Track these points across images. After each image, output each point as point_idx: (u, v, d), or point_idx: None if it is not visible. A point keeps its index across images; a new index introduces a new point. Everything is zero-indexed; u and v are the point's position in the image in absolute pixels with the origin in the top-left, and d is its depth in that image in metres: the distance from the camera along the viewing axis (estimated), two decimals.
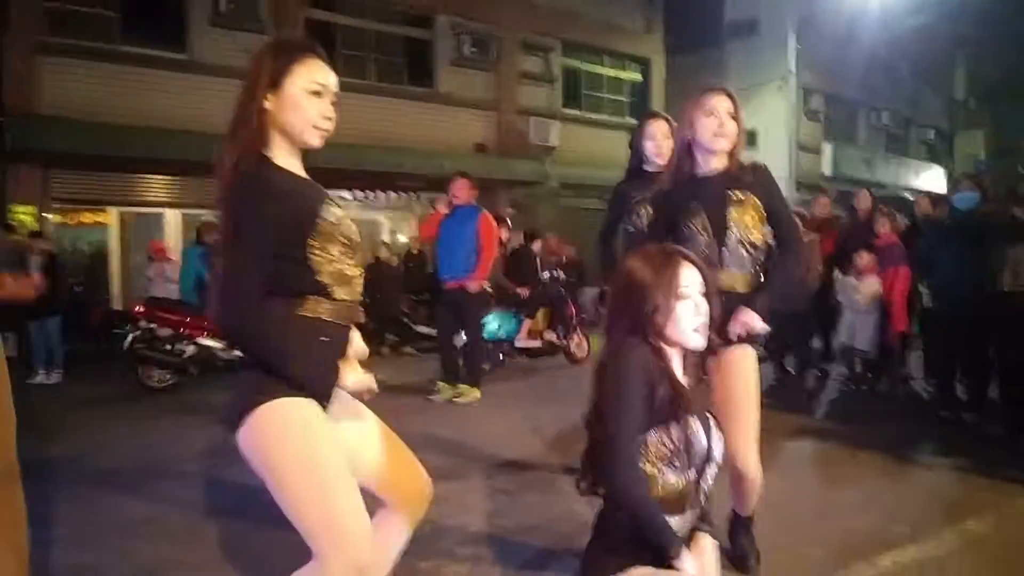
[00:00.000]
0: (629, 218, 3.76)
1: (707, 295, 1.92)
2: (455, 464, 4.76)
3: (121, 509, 4.00)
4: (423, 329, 11.53)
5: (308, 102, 1.93)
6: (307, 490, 1.83)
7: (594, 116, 17.49)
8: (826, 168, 20.82)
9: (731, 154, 2.85)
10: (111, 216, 12.14)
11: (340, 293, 1.94)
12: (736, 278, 2.79)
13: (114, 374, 8.61)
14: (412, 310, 11.65)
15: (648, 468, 1.83)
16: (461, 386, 6.86)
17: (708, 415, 1.97)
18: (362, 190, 14.53)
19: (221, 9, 11.72)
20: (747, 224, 2.78)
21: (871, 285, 6.85)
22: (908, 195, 17.78)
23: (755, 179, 2.84)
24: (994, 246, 5.02)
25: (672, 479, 1.84)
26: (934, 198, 7.60)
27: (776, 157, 17.44)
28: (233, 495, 4.14)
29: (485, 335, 8.70)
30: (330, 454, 1.87)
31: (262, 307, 1.81)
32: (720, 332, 2.55)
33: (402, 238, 15.82)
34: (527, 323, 9.09)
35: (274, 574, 1.97)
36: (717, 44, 21.02)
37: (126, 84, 11.24)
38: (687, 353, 1.97)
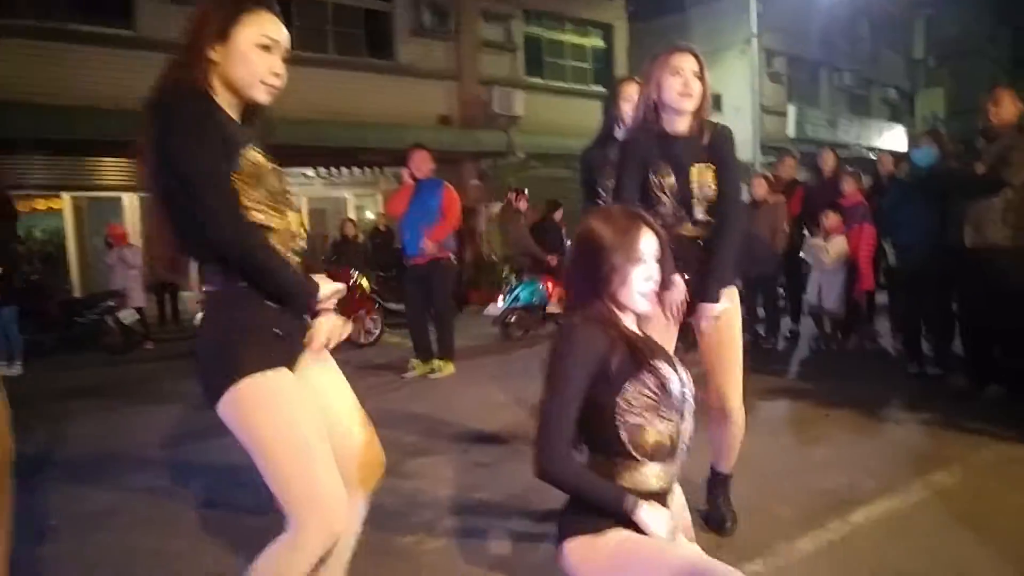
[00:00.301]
0: (601, 184, 3.71)
1: (660, 261, 1.92)
2: (431, 439, 4.74)
3: (87, 500, 3.91)
4: (391, 306, 11.48)
5: (257, 56, 1.88)
6: (290, 462, 1.83)
7: (558, 84, 17.34)
8: (790, 130, 20.93)
9: (696, 115, 2.85)
10: (64, 202, 11.88)
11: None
12: (700, 230, 2.89)
13: (76, 364, 8.55)
14: (380, 287, 11.57)
15: (635, 419, 1.82)
16: (436, 361, 6.83)
17: (673, 358, 1.97)
18: (325, 167, 14.32)
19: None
20: (705, 186, 2.84)
21: (837, 244, 6.91)
22: (871, 154, 17.95)
23: (712, 142, 2.85)
24: (955, 202, 5.04)
25: (661, 426, 1.84)
26: (896, 156, 7.63)
27: (740, 120, 17.48)
28: (203, 482, 4.09)
29: (520, 302, 8.90)
30: (310, 424, 1.88)
31: (246, 216, 1.80)
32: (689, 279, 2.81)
33: (368, 214, 15.66)
34: (557, 290, 9.09)
35: (247, 562, 1.92)
36: (679, 8, 20.95)
37: (72, 63, 10.88)
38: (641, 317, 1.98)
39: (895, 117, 27.70)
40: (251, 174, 1.86)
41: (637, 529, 1.81)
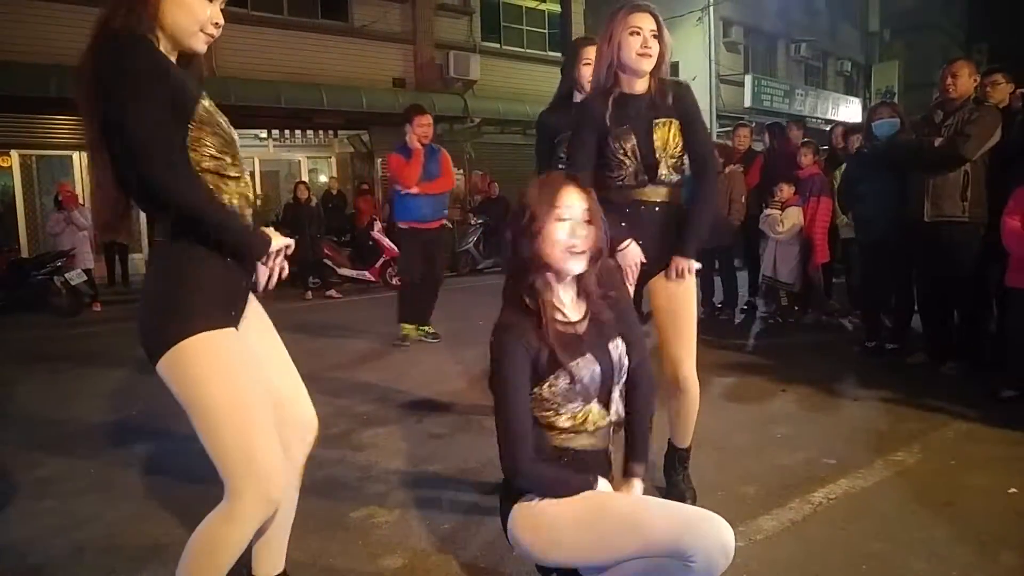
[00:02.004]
0: (560, 149, 3.59)
1: (591, 223, 1.89)
2: (384, 409, 4.66)
3: (32, 465, 3.80)
4: (346, 272, 11.30)
5: (199, 3, 1.80)
6: (229, 425, 1.79)
7: (515, 49, 17.19)
8: (747, 100, 21.00)
9: (654, 74, 2.78)
10: (13, 159, 11.65)
11: (224, 191, 1.83)
12: (661, 192, 2.83)
13: (24, 325, 8.41)
14: (334, 253, 11.38)
15: (545, 415, 1.89)
16: (428, 327, 6.77)
17: (611, 337, 1.98)
18: (279, 129, 14.08)
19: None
20: (670, 144, 2.78)
21: (792, 216, 6.88)
22: (826, 127, 18.07)
23: (675, 99, 2.80)
24: (914, 175, 5.01)
25: (572, 406, 1.89)
26: (848, 128, 7.61)
27: (697, 89, 17.24)
28: (149, 448, 3.99)
29: None
30: (253, 387, 1.84)
31: (190, 169, 1.74)
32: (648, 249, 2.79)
33: (322, 178, 15.46)
34: None
35: (191, 531, 1.86)
36: None
37: (23, 19, 10.62)
38: (581, 279, 1.96)
39: (850, 90, 28.03)
40: (207, 122, 1.81)
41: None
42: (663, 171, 2.77)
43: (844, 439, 3.81)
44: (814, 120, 22.90)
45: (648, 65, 2.72)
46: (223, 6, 1.88)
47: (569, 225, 1.86)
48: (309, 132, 14.38)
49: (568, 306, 1.96)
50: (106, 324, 8.45)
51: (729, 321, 7.46)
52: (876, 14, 28.82)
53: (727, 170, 7.44)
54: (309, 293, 10.53)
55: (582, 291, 1.97)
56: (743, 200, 7.46)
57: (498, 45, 16.85)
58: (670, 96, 2.79)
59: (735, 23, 21.70)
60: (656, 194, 2.81)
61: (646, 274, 2.86)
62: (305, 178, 14.12)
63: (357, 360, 6.13)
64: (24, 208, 11.85)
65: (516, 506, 1.89)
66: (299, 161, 15.59)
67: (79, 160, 12.03)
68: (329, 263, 11.03)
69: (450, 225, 6.97)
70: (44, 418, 4.74)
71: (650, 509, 1.79)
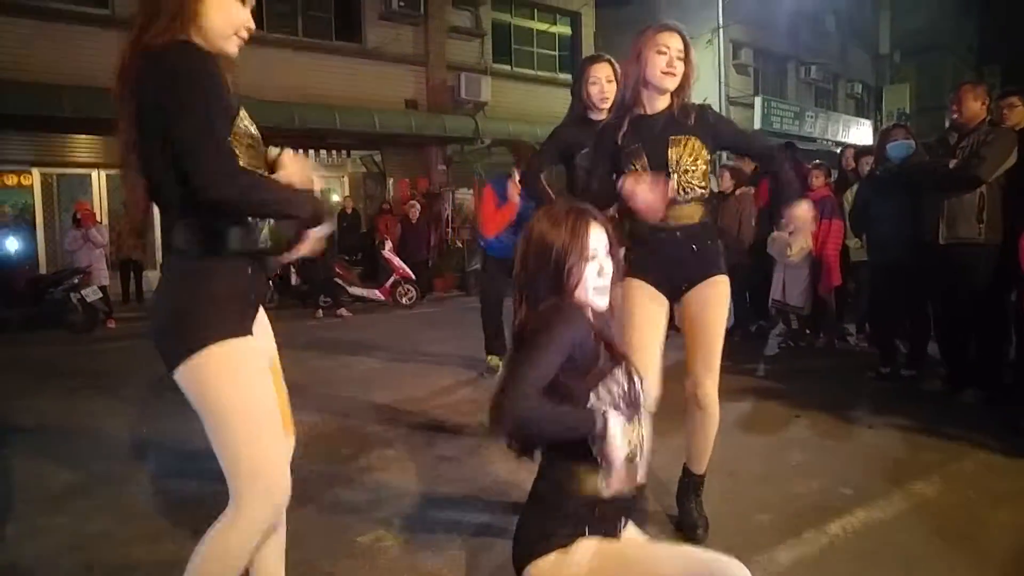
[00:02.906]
0: (578, 168, 3.59)
1: (612, 254, 1.88)
2: (393, 430, 4.63)
3: (45, 482, 3.79)
4: (356, 291, 11.31)
5: (235, 6, 1.83)
6: (242, 432, 1.81)
7: (525, 71, 17.31)
8: (757, 122, 21.00)
9: (676, 95, 2.78)
10: (34, 177, 11.80)
11: None
12: (678, 214, 2.78)
13: (40, 341, 8.49)
14: (345, 272, 11.39)
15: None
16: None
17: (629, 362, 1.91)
18: (292, 148, 14.13)
19: None
20: (687, 163, 2.75)
21: (802, 238, 6.81)
22: (836, 148, 18.05)
23: (697, 121, 2.78)
24: (929, 197, 4.97)
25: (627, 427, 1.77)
26: (860, 150, 7.58)
27: None
28: (164, 466, 3.99)
29: None
30: (267, 398, 1.86)
31: (243, 170, 1.75)
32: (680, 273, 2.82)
33: (335, 197, 15.54)
34: None
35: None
36: None
37: (49, 40, 10.79)
38: (599, 315, 1.91)
39: (861, 112, 27.98)
40: (242, 132, 1.85)
41: (604, 536, 1.77)
42: (673, 186, 2.72)
43: (860, 468, 3.75)
44: (825, 142, 22.88)
45: (671, 84, 2.73)
46: (251, 10, 1.91)
47: (597, 264, 1.84)
48: (322, 152, 14.46)
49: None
50: (120, 341, 8.48)
51: (740, 345, 7.39)
52: (886, 36, 28.81)
53: (737, 192, 7.42)
54: (320, 312, 10.53)
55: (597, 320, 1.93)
56: (753, 222, 7.42)
57: (509, 67, 16.94)
58: (692, 116, 2.78)
59: (744, 45, 21.75)
60: (673, 216, 2.76)
61: (675, 292, 2.87)
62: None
63: (367, 380, 6.10)
64: (43, 225, 11.95)
65: (531, 565, 1.81)
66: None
67: (98, 178, 12.20)
68: (340, 282, 11.03)
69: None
70: (57, 434, 4.74)
71: (671, 559, 1.74)
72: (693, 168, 2.76)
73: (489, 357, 6.28)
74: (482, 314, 6.32)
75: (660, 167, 2.73)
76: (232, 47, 1.88)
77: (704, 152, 2.77)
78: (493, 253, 6.07)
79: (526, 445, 1.88)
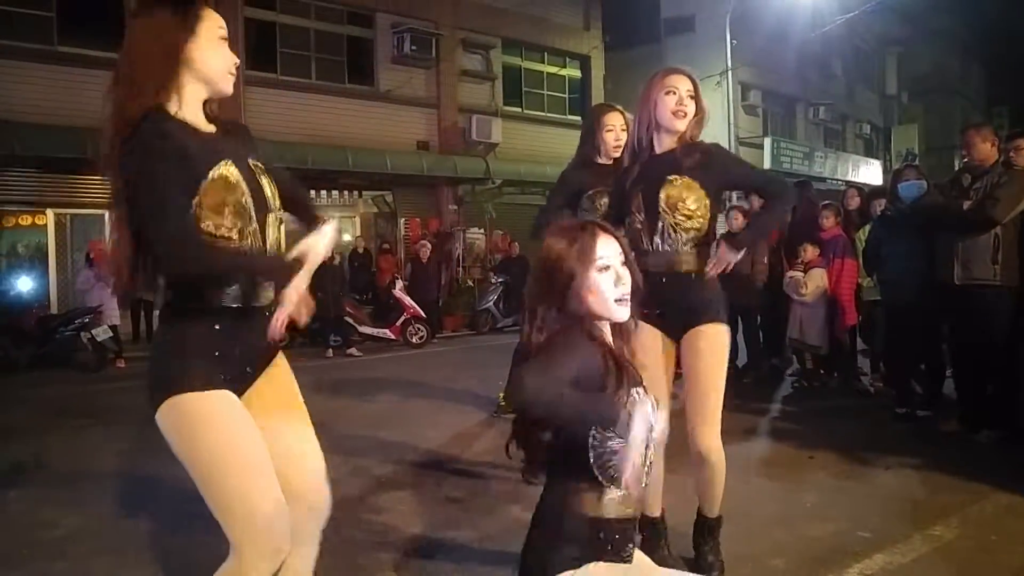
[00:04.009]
0: (583, 206, 3.66)
1: (628, 265, 1.84)
2: (402, 471, 4.59)
3: (48, 525, 3.75)
4: (367, 330, 11.31)
5: (221, 48, 1.91)
6: (222, 482, 1.83)
7: (536, 113, 17.52)
8: (767, 162, 21.11)
9: (683, 136, 2.79)
10: (48, 218, 11.90)
11: None
12: (670, 259, 2.76)
13: (49, 381, 8.48)
14: (356, 311, 11.41)
15: (609, 442, 1.72)
16: None
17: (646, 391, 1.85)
18: (305, 189, 14.29)
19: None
20: (680, 206, 2.72)
21: (815, 277, 6.80)
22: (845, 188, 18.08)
23: (701, 161, 2.76)
24: (943, 237, 4.96)
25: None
26: (872, 191, 7.57)
27: None
28: (170, 508, 3.90)
29: None
30: (246, 448, 1.85)
31: (194, 232, 1.80)
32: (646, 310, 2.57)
33: (347, 237, 15.66)
34: None
35: None
36: (655, 40, 21.20)
37: (64, 85, 10.99)
38: (619, 331, 1.89)
39: (870, 152, 28.10)
40: (217, 189, 1.83)
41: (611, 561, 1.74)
42: (661, 228, 2.73)
43: (877, 510, 3.68)
44: (835, 182, 22.92)
45: (682, 125, 2.75)
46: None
47: (613, 274, 1.80)
48: (334, 192, 14.60)
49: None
50: (128, 380, 8.39)
51: (753, 384, 7.33)
52: (893, 78, 29.06)
53: None
54: (330, 351, 10.52)
55: (622, 341, 1.90)
56: (765, 260, 7.40)
57: (519, 109, 17.14)
58: (697, 155, 2.76)
59: (753, 87, 21.95)
60: (660, 262, 2.75)
61: (674, 334, 2.84)
62: None
63: (376, 419, 6.06)
64: (56, 265, 12.01)
65: None
66: None
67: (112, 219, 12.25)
68: (350, 321, 11.04)
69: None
70: (63, 476, 4.71)
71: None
72: (687, 212, 2.72)
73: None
74: (515, 355, 6.33)
75: (652, 208, 2.74)
76: (228, 85, 1.95)
77: (701, 193, 2.73)
78: None
79: (536, 451, 1.85)
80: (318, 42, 14.34)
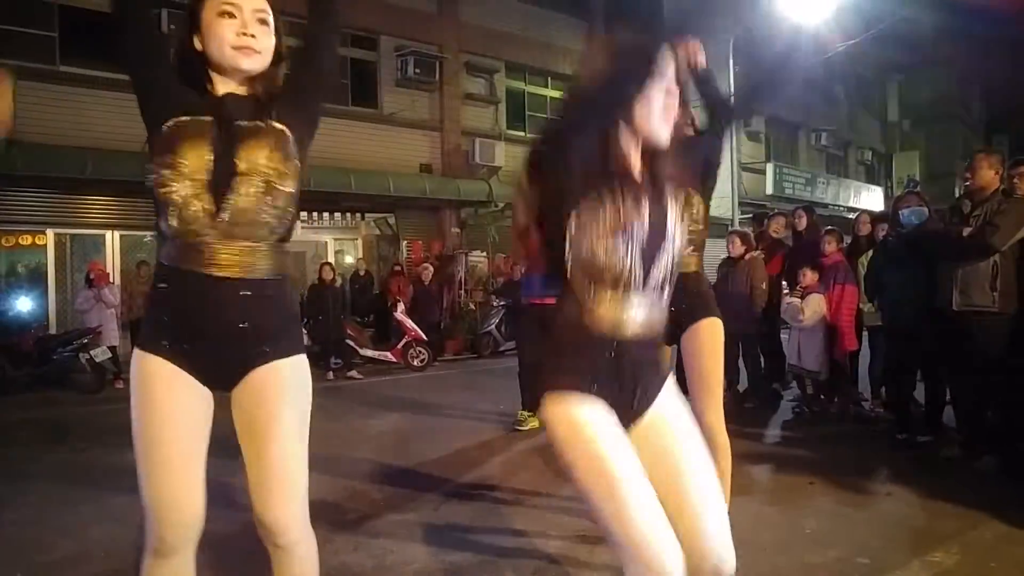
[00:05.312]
0: None
1: (679, 83, 1.77)
2: (401, 494, 4.57)
3: (50, 547, 3.75)
4: (368, 352, 11.30)
5: (219, 24, 1.82)
6: (142, 453, 1.87)
7: None
8: (769, 188, 21.19)
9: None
10: (48, 238, 11.91)
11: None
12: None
13: (47, 402, 8.50)
14: (357, 333, 11.41)
15: (587, 242, 1.66)
16: None
17: (669, 198, 1.78)
18: (307, 211, 14.36)
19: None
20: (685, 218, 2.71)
21: (813, 303, 6.80)
22: (849, 214, 18.15)
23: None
24: (942, 264, 4.97)
25: (612, 254, 1.66)
26: (876, 216, 7.60)
27: (720, 177, 17.60)
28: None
29: None
30: (158, 423, 1.87)
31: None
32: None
33: (348, 259, 15.70)
34: None
35: None
36: None
37: (65, 104, 11.05)
38: (648, 155, 1.80)
39: (872, 178, 28.19)
40: (168, 136, 1.78)
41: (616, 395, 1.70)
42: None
43: (878, 536, 3.67)
44: (837, 207, 23.00)
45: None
46: (260, 18, 1.86)
47: (665, 85, 1.73)
48: (336, 214, 14.65)
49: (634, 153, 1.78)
50: (127, 402, 8.42)
51: (754, 410, 7.31)
52: (895, 105, 29.23)
53: (747, 256, 7.43)
54: (331, 374, 10.51)
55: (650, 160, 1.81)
56: (764, 287, 7.40)
57: (523, 133, 17.23)
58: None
59: (755, 113, 22.10)
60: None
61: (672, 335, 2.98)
62: (331, 259, 14.31)
63: (377, 442, 6.05)
64: (55, 285, 12.01)
65: (542, 405, 1.70)
66: (326, 242, 15.85)
67: (112, 239, 12.31)
68: (351, 343, 11.04)
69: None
70: (59, 498, 4.69)
71: (626, 515, 1.60)
72: (691, 223, 2.75)
73: (521, 412, 6.34)
74: (519, 373, 6.39)
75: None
76: (237, 60, 1.84)
77: (697, 198, 2.98)
78: (530, 293, 6.32)
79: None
80: None
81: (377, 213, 15.28)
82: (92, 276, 10.07)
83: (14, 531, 4.03)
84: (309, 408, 1.95)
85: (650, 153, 1.79)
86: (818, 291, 6.85)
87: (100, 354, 9.40)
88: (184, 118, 1.79)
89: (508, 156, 15.98)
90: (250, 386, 1.88)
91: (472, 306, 14.77)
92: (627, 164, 1.75)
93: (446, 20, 15.71)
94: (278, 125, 1.88)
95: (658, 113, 1.85)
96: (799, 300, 6.93)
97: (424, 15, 15.36)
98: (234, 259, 1.81)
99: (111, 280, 10.34)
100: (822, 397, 7.12)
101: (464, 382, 9.30)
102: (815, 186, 23.15)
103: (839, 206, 23.32)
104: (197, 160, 1.77)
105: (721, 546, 1.72)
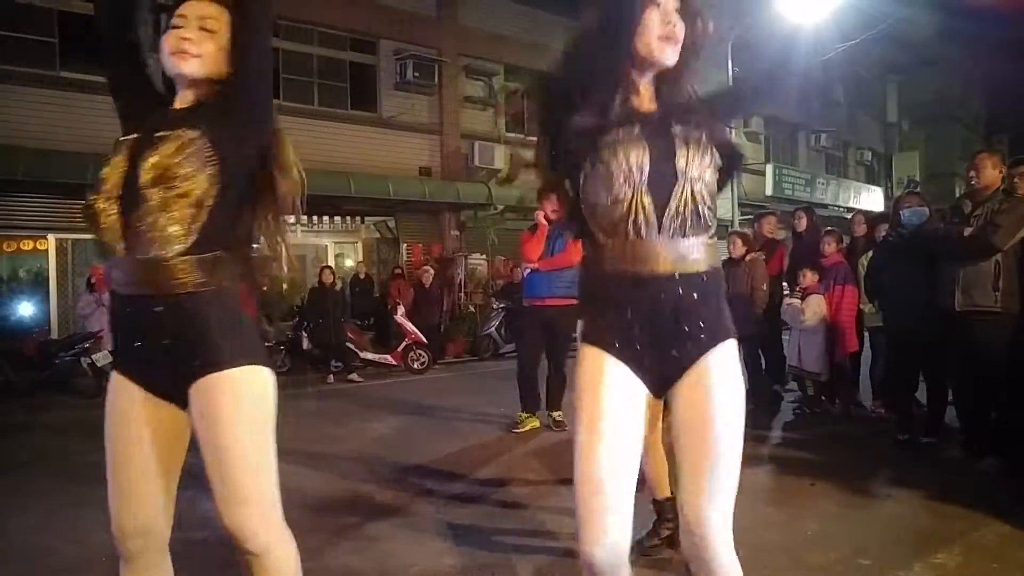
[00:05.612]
0: None
1: (684, 14, 1.78)
2: (402, 497, 4.55)
3: (54, 554, 3.73)
4: (368, 355, 11.30)
5: (168, 36, 1.86)
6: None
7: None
8: (768, 189, 21.20)
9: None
10: (49, 243, 11.95)
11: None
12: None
13: (48, 406, 8.49)
14: (357, 336, 11.40)
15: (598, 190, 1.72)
16: (557, 412, 6.36)
17: (677, 136, 1.75)
18: (307, 215, 14.36)
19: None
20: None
21: (814, 304, 6.80)
22: (848, 215, 18.13)
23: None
24: (944, 264, 4.96)
25: (618, 187, 1.69)
26: (876, 216, 7.59)
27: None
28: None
29: None
30: (115, 437, 1.96)
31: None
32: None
33: (348, 262, 15.71)
34: None
35: None
36: None
37: (66, 110, 11.09)
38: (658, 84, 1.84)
39: (871, 179, 28.19)
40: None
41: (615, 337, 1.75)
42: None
43: (879, 538, 3.65)
44: (836, 208, 23.00)
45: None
46: (202, 26, 1.85)
47: (662, 10, 1.74)
48: (336, 218, 14.65)
49: (640, 95, 1.80)
50: None
51: (755, 411, 7.29)
52: (894, 105, 29.24)
53: (748, 258, 7.42)
54: (331, 376, 10.50)
55: (660, 91, 1.84)
56: (764, 288, 7.39)
57: (522, 135, 17.22)
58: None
59: (755, 114, 22.09)
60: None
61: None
62: (331, 263, 14.31)
63: (377, 445, 6.03)
64: (57, 290, 12.04)
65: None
66: (326, 246, 15.88)
67: None
68: (352, 346, 11.03)
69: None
70: (63, 503, 4.67)
71: (592, 464, 1.72)
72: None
73: (519, 414, 6.37)
74: (518, 374, 6.41)
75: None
76: (176, 67, 1.85)
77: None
78: (531, 292, 6.36)
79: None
80: (321, 68, 14.46)
81: (377, 216, 15.30)
82: (93, 281, 10.08)
83: (16, 535, 4.02)
84: (264, 412, 1.87)
85: (662, 86, 1.82)
86: (818, 292, 6.84)
87: (101, 358, 9.34)
88: (123, 137, 1.88)
89: (507, 158, 16.00)
90: (193, 400, 1.83)
91: (472, 309, 14.77)
92: (634, 104, 1.77)
93: (445, 23, 15.74)
94: (192, 132, 1.78)
95: (656, 34, 1.74)
96: (799, 301, 6.92)
97: (423, 18, 15.39)
98: (144, 276, 1.78)
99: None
100: (823, 398, 7.11)
101: (464, 385, 9.29)
102: (815, 187, 23.16)
103: (839, 207, 23.33)
104: (115, 176, 1.82)
105: (702, 507, 1.80)
